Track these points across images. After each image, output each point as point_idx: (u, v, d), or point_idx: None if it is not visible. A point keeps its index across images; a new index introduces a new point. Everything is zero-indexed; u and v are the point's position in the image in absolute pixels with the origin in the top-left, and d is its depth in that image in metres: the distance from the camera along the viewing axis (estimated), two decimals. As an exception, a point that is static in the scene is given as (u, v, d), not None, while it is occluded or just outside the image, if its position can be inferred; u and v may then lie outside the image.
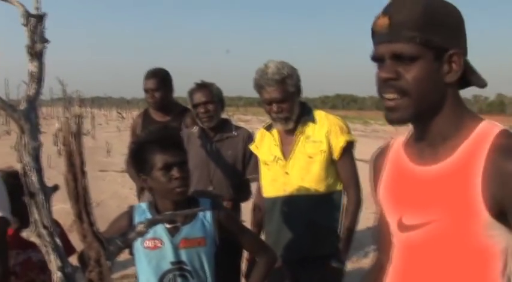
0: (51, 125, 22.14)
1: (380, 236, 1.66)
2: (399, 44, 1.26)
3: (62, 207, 3.67)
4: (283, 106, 2.74)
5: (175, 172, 2.07)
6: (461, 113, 1.34)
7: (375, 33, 1.32)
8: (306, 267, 2.84)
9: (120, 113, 43.29)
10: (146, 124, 3.94)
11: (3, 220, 2.20)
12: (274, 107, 2.75)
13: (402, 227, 1.41)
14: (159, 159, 2.07)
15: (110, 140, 15.23)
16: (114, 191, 9.87)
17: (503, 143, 1.24)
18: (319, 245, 2.81)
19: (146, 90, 3.95)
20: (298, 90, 2.81)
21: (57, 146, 16.42)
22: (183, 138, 2.30)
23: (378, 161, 1.59)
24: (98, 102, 57.17)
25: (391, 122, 1.34)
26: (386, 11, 1.29)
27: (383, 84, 1.30)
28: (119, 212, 2.30)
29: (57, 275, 1.79)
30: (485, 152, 1.24)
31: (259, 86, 2.77)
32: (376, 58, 1.32)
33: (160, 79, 3.97)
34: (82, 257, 2.11)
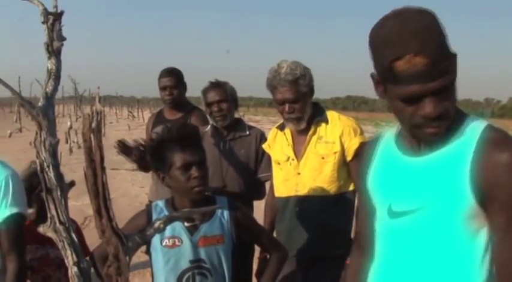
0: (62, 123, 22.28)
1: (361, 224, 1.75)
2: (445, 78, 1.27)
3: (73, 205, 3.69)
4: (295, 106, 2.75)
5: (194, 171, 2.07)
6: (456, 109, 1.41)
7: (404, 73, 1.27)
8: (318, 267, 2.84)
9: (131, 112, 43.45)
10: (158, 122, 4.01)
11: (19, 216, 2.23)
12: (287, 107, 2.75)
13: (391, 213, 1.49)
14: (178, 158, 2.08)
15: (121, 137, 15.33)
16: (125, 190, 9.90)
17: (491, 137, 1.33)
18: (331, 245, 2.81)
19: (164, 88, 3.96)
20: (311, 90, 2.81)
21: (69, 143, 16.55)
22: (202, 137, 2.30)
23: (367, 152, 1.66)
24: (109, 101, 57.40)
25: (435, 143, 1.39)
26: (416, 50, 1.24)
27: (431, 121, 1.31)
28: (130, 210, 2.32)
29: (73, 269, 1.81)
30: (474, 145, 1.33)
31: (272, 86, 2.77)
32: (410, 98, 1.30)
33: (177, 77, 4.00)
34: (93, 257, 2.13)
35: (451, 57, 1.29)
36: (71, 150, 15.97)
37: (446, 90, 1.29)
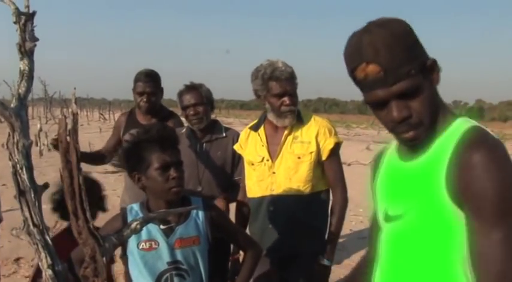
0: (32, 125, 21.83)
1: (371, 232, 1.75)
2: (401, 83, 1.31)
3: (44, 208, 3.63)
4: (294, 99, 2.80)
5: (172, 172, 2.08)
6: (443, 112, 1.42)
7: (363, 82, 1.35)
8: (293, 266, 2.86)
9: (102, 114, 42.98)
10: (130, 125, 3.79)
11: None
12: (288, 100, 2.77)
13: (387, 217, 1.52)
14: (157, 158, 2.08)
15: (92, 140, 15.13)
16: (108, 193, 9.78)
17: (467, 137, 1.31)
18: (306, 244, 2.83)
19: (141, 93, 3.72)
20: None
21: (39, 146, 16.28)
22: (178, 138, 2.30)
23: (377, 159, 1.69)
24: (80, 103, 56.60)
25: (414, 146, 1.41)
26: (366, 58, 1.31)
27: (397, 124, 1.35)
28: (113, 212, 2.29)
29: (47, 272, 1.79)
30: (452, 147, 1.32)
31: (272, 79, 2.76)
32: (374, 104, 1.37)
33: (156, 82, 3.79)
34: (70, 260, 2.10)
35: (412, 64, 1.32)
36: (41, 153, 15.72)
37: (411, 93, 1.32)
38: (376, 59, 1.30)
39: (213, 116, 3.57)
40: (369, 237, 1.79)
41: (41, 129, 18.81)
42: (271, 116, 2.87)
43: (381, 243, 1.57)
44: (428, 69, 1.36)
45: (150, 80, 3.73)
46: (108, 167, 9.44)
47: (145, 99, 3.71)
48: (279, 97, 2.78)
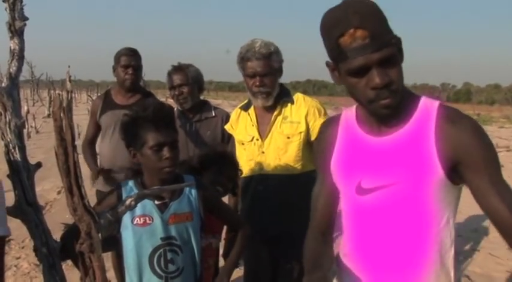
0: (19, 107, 21.67)
1: (320, 204, 1.84)
2: (386, 50, 1.39)
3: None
4: (265, 80, 2.80)
5: (165, 152, 2.09)
6: (406, 90, 1.53)
7: (349, 48, 1.39)
8: (282, 245, 2.90)
9: (90, 96, 42.59)
10: (107, 107, 3.79)
11: None
12: (257, 81, 2.79)
13: (360, 191, 1.58)
14: (151, 137, 2.09)
15: (80, 122, 15.04)
16: (85, 173, 9.76)
17: (446, 113, 1.49)
18: (294, 223, 2.85)
19: (126, 66, 3.68)
20: (280, 69, 2.88)
21: (26, 128, 16.16)
22: (175, 118, 2.31)
23: (327, 131, 1.74)
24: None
25: (387, 116, 1.50)
26: (355, 24, 1.37)
27: (379, 91, 1.42)
28: (92, 195, 2.29)
29: (42, 250, 1.81)
30: (433, 121, 1.48)
31: (244, 59, 2.80)
32: (358, 70, 1.41)
33: (139, 57, 3.77)
34: (65, 238, 2.12)
35: (391, 34, 1.43)
36: (28, 136, 15.60)
37: (390, 61, 1.40)
38: (364, 24, 1.37)
39: (201, 97, 3.60)
40: (314, 211, 1.86)
41: (28, 112, 18.65)
42: (249, 96, 2.92)
43: (352, 215, 1.65)
44: (399, 45, 1.46)
45: (134, 54, 3.73)
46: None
47: (130, 72, 3.69)
48: (250, 77, 2.82)
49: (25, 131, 14.08)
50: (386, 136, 1.53)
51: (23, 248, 5.36)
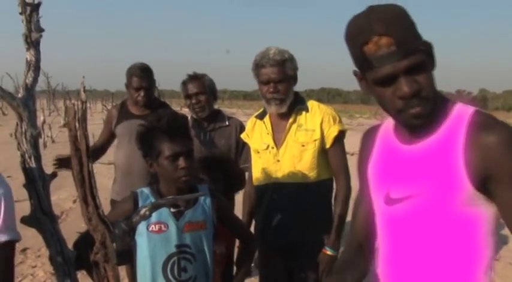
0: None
1: (359, 213, 1.76)
2: (413, 57, 1.32)
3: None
4: (279, 87, 2.79)
5: (181, 162, 2.10)
6: (440, 96, 1.45)
7: (374, 56, 1.34)
8: (298, 254, 2.88)
9: (105, 106, 42.97)
10: (123, 117, 3.79)
11: (9, 244, 2.01)
12: (272, 87, 2.79)
13: (389, 201, 1.52)
14: (167, 148, 2.10)
15: (95, 132, 15.21)
16: (101, 184, 9.78)
17: (479, 120, 1.38)
18: (310, 232, 2.85)
19: (138, 89, 3.68)
20: (295, 76, 2.87)
21: (42, 138, 16.32)
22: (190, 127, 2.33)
23: (367, 139, 1.69)
24: (82, 94, 56.38)
25: (418, 126, 1.42)
26: (379, 32, 1.31)
27: (408, 100, 1.34)
28: (107, 204, 2.31)
29: (57, 259, 1.82)
30: (464, 130, 1.38)
31: (259, 66, 2.80)
32: (384, 79, 1.35)
33: (150, 77, 3.76)
34: (77, 246, 2.13)
35: (419, 40, 1.35)
36: (45, 145, 15.77)
37: (419, 68, 1.33)
38: (389, 31, 1.31)
39: (216, 107, 3.62)
40: (354, 220, 1.79)
41: (44, 121, 18.87)
42: (263, 103, 2.92)
43: (383, 226, 1.58)
44: (430, 51, 1.39)
45: (145, 74, 3.71)
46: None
47: (142, 94, 3.69)
48: (264, 84, 2.82)
49: (41, 140, 14.22)
50: (415, 144, 1.46)
51: (39, 256, 5.39)
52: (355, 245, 1.75)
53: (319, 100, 3.29)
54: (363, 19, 1.36)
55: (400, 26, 1.33)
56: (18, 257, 5.34)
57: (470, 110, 1.42)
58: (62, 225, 2.18)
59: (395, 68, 1.32)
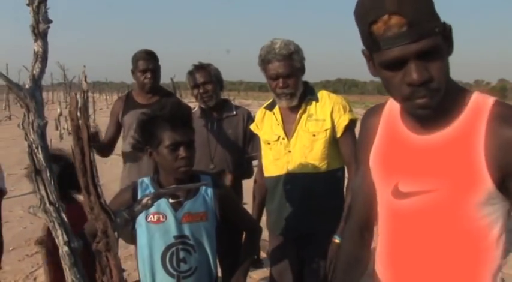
0: (52, 109, 22.14)
1: (360, 199, 1.67)
2: (426, 40, 1.19)
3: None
4: (289, 81, 2.76)
5: (181, 152, 2.10)
6: (454, 84, 1.35)
7: (383, 37, 1.21)
8: (309, 244, 2.88)
9: (120, 98, 43.22)
10: (129, 108, 3.82)
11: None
12: (280, 82, 2.76)
13: (398, 194, 1.41)
14: (167, 137, 2.10)
15: (110, 123, 15.36)
16: (115, 175, 9.89)
17: (502, 112, 1.27)
18: (322, 222, 2.83)
19: (145, 71, 3.71)
20: (302, 67, 2.83)
21: (59, 130, 16.50)
22: (192, 117, 2.31)
23: (370, 122, 1.57)
24: (99, 87, 56.88)
25: (425, 117, 1.32)
26: (390, 10, 1.18)
27: (416, 88, 1.23)
28: (104, 193, 2.32)
29: (63, 249, 1.83)
30: (485, 121, 1.26)
31: (265, 62, 2.77)
32: (392, 62, 1.23)
33: (157, 60, 3.80)
34: (84, 234, 2.14)
35: (436, 21, 1.22)
36: (61, 137, 15.93)
37: (432, 54, 1.21)
38: (401, 10, 1.17)
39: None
40: (354, 203, 1.73)
41: (60, 114, 19.03)
42: (274, 96, 2.90)
43: (388, 219, 1.49)
44: (448, 34, 1.26)
45: (151, 57, 3.78)
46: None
47: (149, 76, 3.74)
48: (273, 79, 2.79)
49: (57, 132, 14.38)
50: (428, 135, 1.34)
51: (54, 247, 5.45)
52: (357, 233, 1.69)
53: (336, 91, 3.27)
54: None
55: (415, 3, 1.19)
56: (33, 247, 5.41)
57: (490, 100, 1.30)
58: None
59: (405, 51, 1.19)
